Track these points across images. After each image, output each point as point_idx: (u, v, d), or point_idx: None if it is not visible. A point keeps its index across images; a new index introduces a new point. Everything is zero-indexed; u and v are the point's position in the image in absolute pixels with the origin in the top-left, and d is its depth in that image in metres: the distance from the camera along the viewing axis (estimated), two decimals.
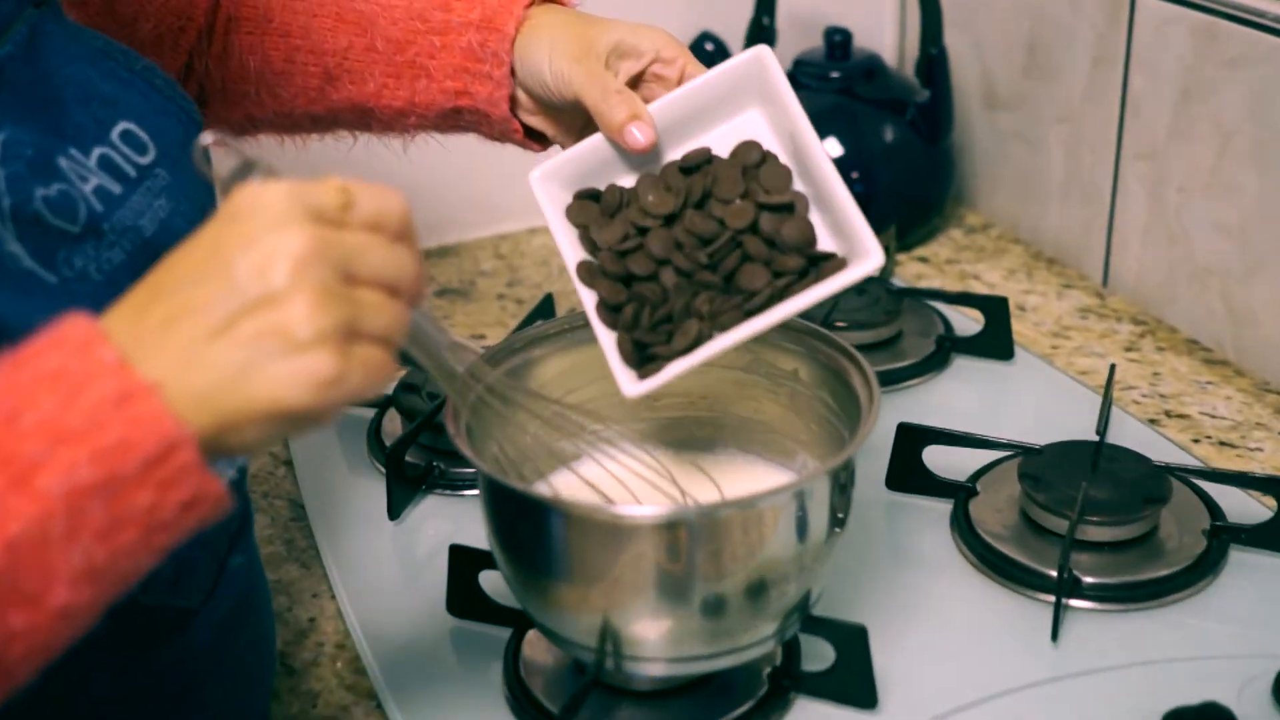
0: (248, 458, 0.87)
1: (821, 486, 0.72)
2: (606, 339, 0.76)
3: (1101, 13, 1.19)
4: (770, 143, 0.80)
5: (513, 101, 0.86)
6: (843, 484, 0.74)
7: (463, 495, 1.00)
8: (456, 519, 0.97)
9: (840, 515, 0.74)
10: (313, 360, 0.52)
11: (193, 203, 0.70)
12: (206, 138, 0.58)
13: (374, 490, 0.99)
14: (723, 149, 0.80)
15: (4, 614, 0.49)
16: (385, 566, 0.94)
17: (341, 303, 0.53)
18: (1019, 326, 1.18)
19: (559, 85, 0.83)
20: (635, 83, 0.83)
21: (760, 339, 0.80)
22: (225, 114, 0.94)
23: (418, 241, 0.58)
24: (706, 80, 0.80)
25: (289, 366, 0.52)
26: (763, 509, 0.70)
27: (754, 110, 0.81)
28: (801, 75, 1.34)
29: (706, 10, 1.40)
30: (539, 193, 0.80)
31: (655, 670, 0.75)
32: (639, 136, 0.78)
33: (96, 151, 0.65)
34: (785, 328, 0.80)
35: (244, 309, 0.52)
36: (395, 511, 0.97)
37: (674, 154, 0.81)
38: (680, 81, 0.82)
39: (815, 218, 0.77)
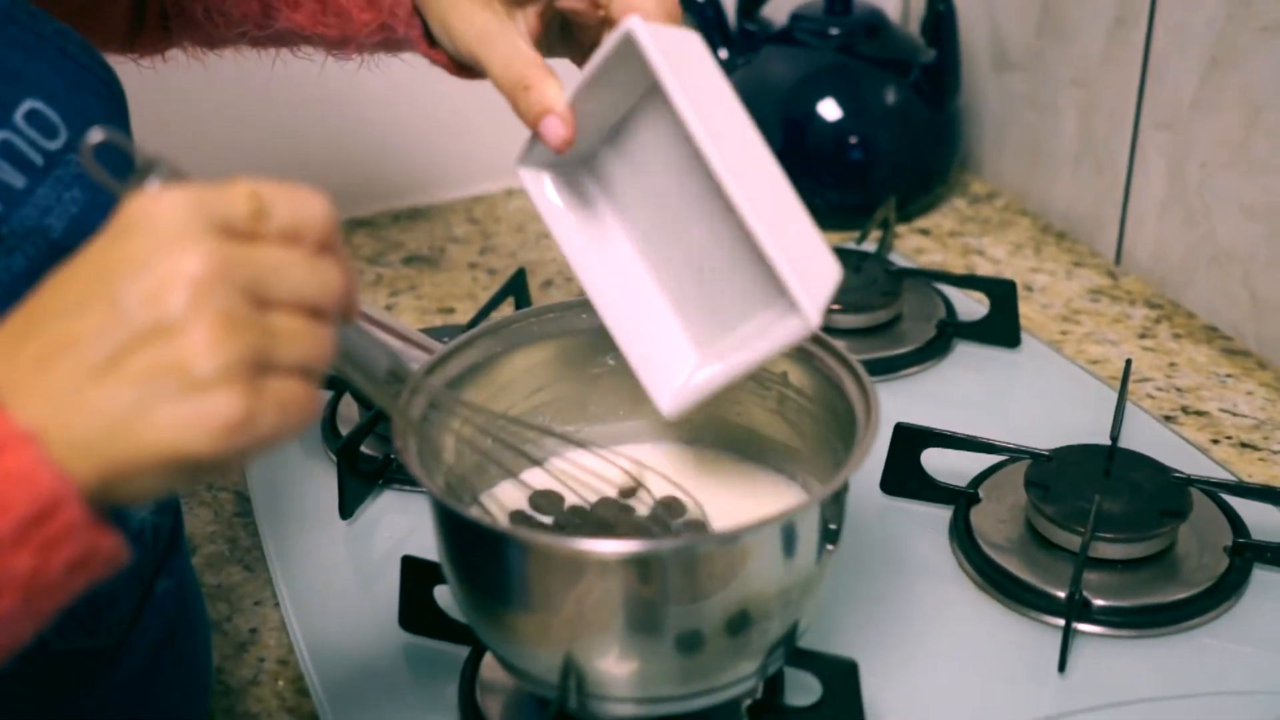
0: None
1: (811, 516, 0.64)
2: (633, 350, 0.70)
3: None
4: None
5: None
6: (833, 513, 0.66)
7: (421, 492, 0.92)
8: (413, 517, 0.90)
9: (830, 544, 0.67)
10: (215, 401, 0.45)
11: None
12: (95, 134, 0.49)
13: (327, 483, 0.92)
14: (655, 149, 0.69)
15: None
16: (335, 572, 0.86)
17: (250, 331, 0.46)
18: (1025, 309, 1.10)
19: (455, 42, 0.71)
20: (561, 25, 0.72)
21: None
22: (189, 38, 0.87)
23: (344, 252, 0.50)
24: (587, 82, 0.67)
25: (186, 409, 0.44)
26: (746, 543, 0.62)
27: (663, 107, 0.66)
28: (799, 31, 1.25)
29: None
30: (530, 188, 0.72)
31: (624, 710, 0.68)
32: (553, 136, 0.67)
33: None
34: None
35: (132, 342, 0.44)
36: (347, 510, 0.89)
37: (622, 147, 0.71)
38: (605, 22, 0.69)
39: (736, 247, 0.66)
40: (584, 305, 0.75)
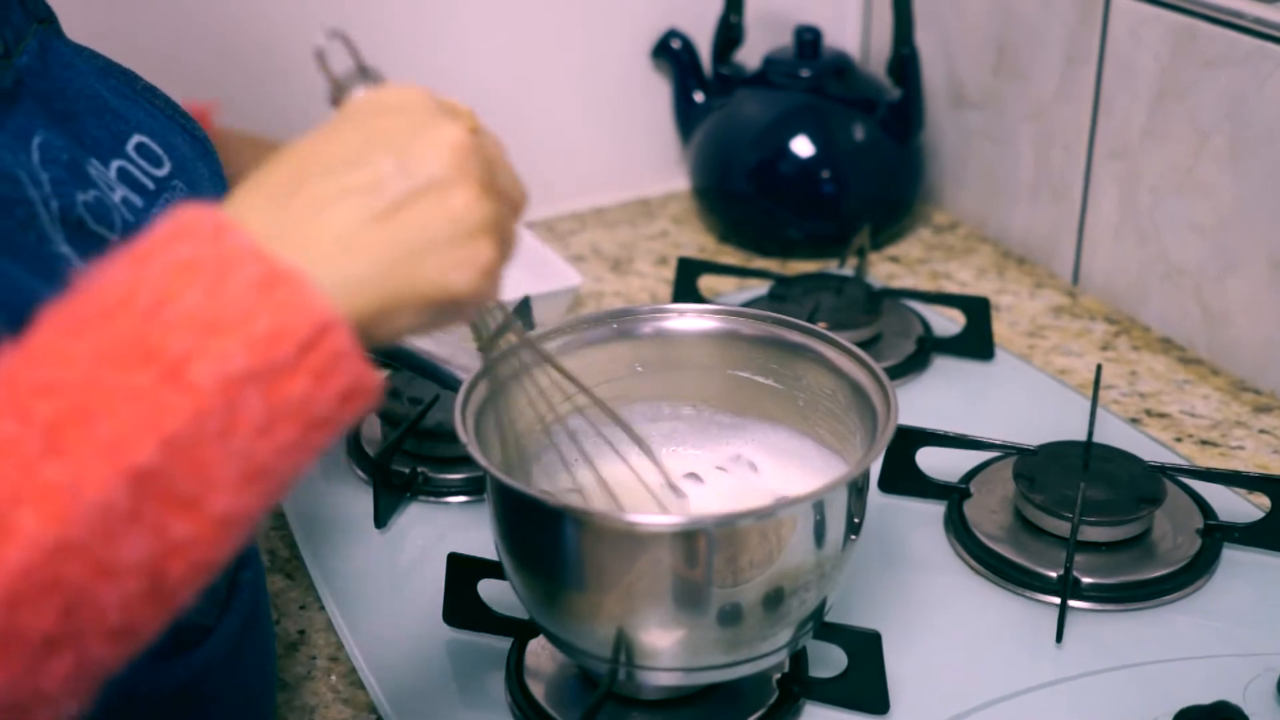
0: None
1: (841, 494, 0.71)
2: None
3: (1075, 12, 1.20)
4: None
5: None
6: (860, 489, 0.73)
7: (448, 502, 0.98)
8: (443, 525, 0.95)
9: (856, 521, 0.74)
10: (479, 247, 0.54)
11: None
12: (331, 36, 0.57)
13: (356, 497, 0.97)
14: None
15: (164, 523, 0.46)
16: (374, 576, 0.92)
17: (495, 199, 0.54)
18: (994, 326, 1.18)
19: None
20: None
21: (766, 343, 0.80)
22: None
23: None
24: None
25: (457, 252, 0.53)
26: (781, 518, 0.69)
27: None
28: (771, 74, 1.33)
29: (674, 7, 1.38)
30: None
31: (670, 680, 0.74)
32: None
33: (115, 164, 0.63)
34: (794, 334, 0.80)
35: (410, 194, 0.52)
36: (382, 520, 0.95)
37: None
38: None
39: None
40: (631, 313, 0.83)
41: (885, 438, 0.71)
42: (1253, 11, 1.04)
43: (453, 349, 0.83)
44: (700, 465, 0.82)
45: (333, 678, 0.84)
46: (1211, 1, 1.07)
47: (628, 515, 0.71)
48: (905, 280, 1.28)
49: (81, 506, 0.45)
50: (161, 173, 0.66)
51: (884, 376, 0.75)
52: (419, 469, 0.98)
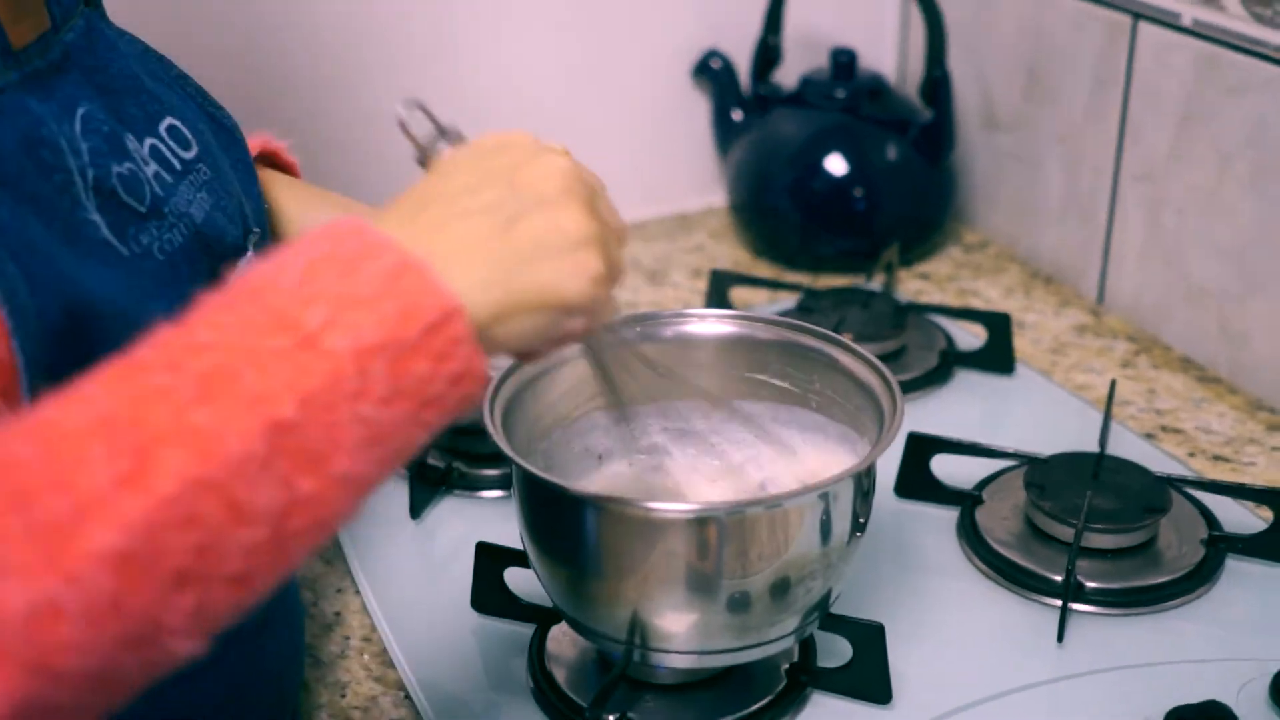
0: None
1: (847, 487, 0.74)
2: None
3: (1103, 38, 1.23)
4: None
5: None
6: (865, 489, 0.77)
7: (481, 496, 1.02)
8: (475, 519, 1.00)
9: (861, 519, 0.77)
10: (587, 257, 0.59)
11: (230, 200, 0.74)
12: (407, 104, 0.64)
13: (394, 490, 1.02)
14: None
15: (293, 477, 0.51)
16: (407, 564, 0.96)
17: (597, 219, 0.60)
18: (1017, 342, 1.21)
19: None
20: None
21: (780, 347, 0.84)
22: None
23: None
24: None
25: (568, 261, 0.59)
26: (789, 508, 0.73)
27: None
28: (808, 94, 1.37)
29: (715, 28, 1.43)
30: None
31: (681, 663, 0.78)
32: None
33: (148, 141, 0.68)
34: (807, 339, 0.84)
35: (524, 211, 0.59)
36: (416, 511, 0.99)
37: None
38: None
39: None
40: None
41: (890, 436, 0.75)
42: (1273, 40, 1.07)
43: None
44: (717, 462, 0.86)
45: (365, 657, 0.88)
46: (1233, 29, 1.10)
47: (644, 502, 0.75)
48: (933, 296, 1.31)
49: (223, 450, 0.50)
50: (189, 155, 0.71)
51: (892, 379, 0.79)
52: (454, 464, 1.03)
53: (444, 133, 0.64)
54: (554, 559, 0.77)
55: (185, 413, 0.50)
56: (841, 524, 0.75)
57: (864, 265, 1.31)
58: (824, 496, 0.73)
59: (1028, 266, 1.37)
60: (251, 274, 0.55)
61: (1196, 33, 1.13)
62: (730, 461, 0.85)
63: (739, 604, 0.74)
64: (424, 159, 0.64)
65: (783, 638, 0.77)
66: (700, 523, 0.72)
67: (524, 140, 0.63)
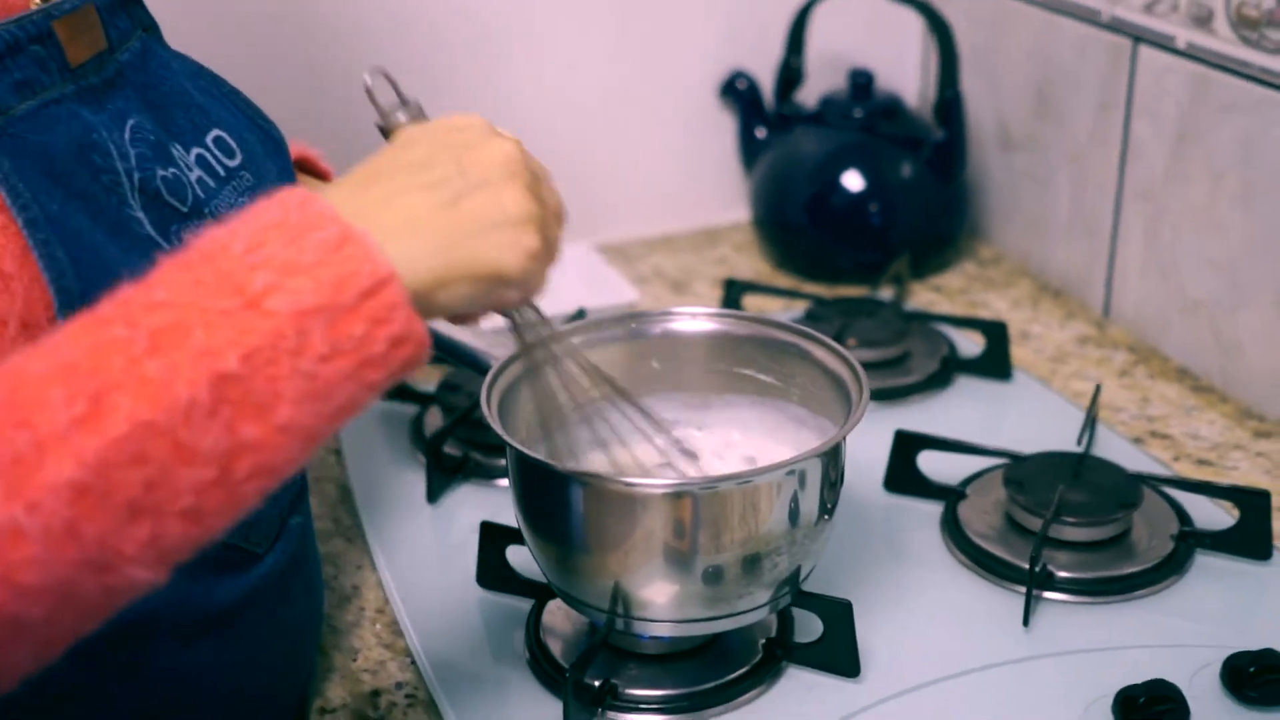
0: None
1: (814, 466, 0.80)
2: None
3: (1106, 60, 1.28)
4: None
5: None
6: (831, 473, 0.83)
7: (495, 484, 1.09)
8: (488, 505, 1.06)
9: (829, 503, 0.83)
10: (524, 235, 0.66)
11: None
12: (374, 72, 0.71)
13: (414, 478, 1.09)
14: None
15: (236, 424, 0.57)
16: (422, 544, 1.03)
17: (537, 201, 0.67)
18: (1021, 352, 1.26)
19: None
20: None
21: (758, 342, 0.90)
22: None
23: None
24: None
25: (507, 236, 0.65)
26: (758, 484, 0.79)
27: None
28: (827, 113, 1.43)
29: (741, 50, 1.50)
30: None
31: (659, 631, 0.84)
32: None
33: (195, 151, 0.76)
34: (773, 332, 0.91)
35: (469, 190, 0.65)
36: (433, 496, 1.06)
37: None
38: None
39: None
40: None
41: (854, 421, 0.81)
42: (1259, 62, 1.11)
43: (489, 343, 0.95)
44: (701, 447, 0.92)
45: (377, 626, 0.95)
46: (1223, 51, 1.15)
47: (625, 478, 0.81)
48: (943, 308, 1.37)
49: (170, 397, 0.56)
50: (233, 163, 0.79)
51: (858, 366, 0.85)
52: (471, 454, 1.09)
53: (405, 103, 0.71)
54: (542, 532, 0.84)
55: (138, 363, 0.56)
56: (808, 503, 0.81)
57: (876, 276, 1.37)
58: (791, 474, 0.79)
59: (1038, 281, 1.42)
60: (207, 238, 0.61)
61: (1190, 55, 1.18)
62: (715, 448, 0.92)
63: (712, 576, 0.80)
64: (385, 126, 0.71)
65: (754, 609, 0.83)
66: (676, 496, 0.78)
67: (477, 124, 0.69)
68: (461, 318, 0.69)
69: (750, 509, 0.79)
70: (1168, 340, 1.27)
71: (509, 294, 0.68)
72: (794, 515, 0.81)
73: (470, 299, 0.66)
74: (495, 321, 0.82)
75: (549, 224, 0.69)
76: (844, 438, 0.82)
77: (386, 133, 0.72)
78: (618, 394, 0.86)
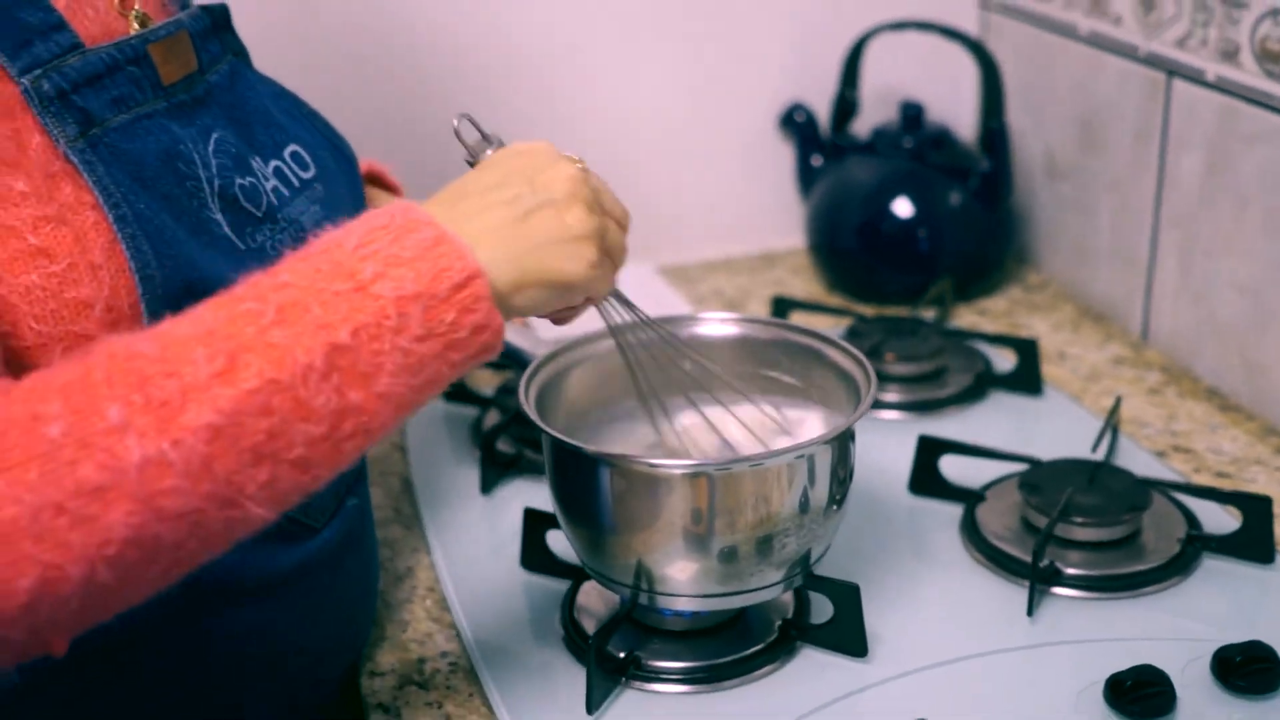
0: None
1: (825, 455, 0.87)
2: None
3: (1142, 93, 1.33)
4: None
5: None
6: (842, 478, 0.89)
7: (545, 479, 1.16)
8: (539, 498, 1.13)
9: (839, 495, 0.90)
10: (584, 247, 0.77)
11: (341, 213, 0.90)
12: (461, 117, 0.82)
13: (471, 473, 1.17)
14: None
15: (344, 388, 0.67)
16: (474, 532, 1.11)
17: (599, 217, 0.78)
18: (1057, 371, 1.31)
19: None
20: None
21: (780, 346, 0.97)
22: None
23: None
24: None
25: (569, 249, 0.76)
26: (770, 466, 0.86)
27: None
28: (879, 144, 1.50)
29: (799, 83, 1.57)
30: None
31: (680, 605, 0.91)
32: None
33: (272, 163, 0.86)
34: (799, 336, 0.98)
35: (538, 207, 0.76)
36: (486, 487, 1.14)
37: None
38: None
39: None
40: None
41: (860, 412, 0.88)
42: None
43: (533, 343, 1.03)
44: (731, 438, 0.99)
45: (427, 603, 1.03)
46: (1249, 84, 1.20)
47: (647, 459, 0.88)
48: (985, 329, 1.42)
49: (292, 360, 0.66)
50: (307, 175, 0.88)
51: (868, 364, 0.92)
52: (524, 451, 1.17)
53: (487, 139, 0.82)
54: (572, 511, 0.92)
55: (266, 331, 0.66)
56: (818, 487, 0.88)
57: (923, 298, 1.43)
58: (801, 458, 0.86)
59: (1081, 305, 1.47)
60: (326, 236, 0.72)
61: (1219, 87, 1.23)
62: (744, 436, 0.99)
63: (726, 555, 0.87)
64: (472, 160, 0.82)
65: (766, 587, 0.90)
66: (694, 476, 0.85)
67: (544, 148, 0.80)
68: (552, 318, 0.81)
69: (763, 488, 0.86)
70: (1200, 362, 1.31)
71: (574, 297, 0.79)
72: (803, 494, 0.87)
73: (544, 302, 0.77)
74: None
75: (612, 231, 0.80)
76: (852, 428, 0.88)
77: (473, 165, 0.83)
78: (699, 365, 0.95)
